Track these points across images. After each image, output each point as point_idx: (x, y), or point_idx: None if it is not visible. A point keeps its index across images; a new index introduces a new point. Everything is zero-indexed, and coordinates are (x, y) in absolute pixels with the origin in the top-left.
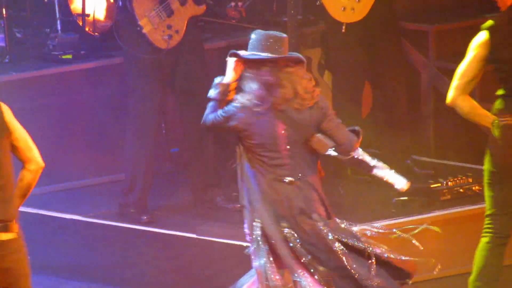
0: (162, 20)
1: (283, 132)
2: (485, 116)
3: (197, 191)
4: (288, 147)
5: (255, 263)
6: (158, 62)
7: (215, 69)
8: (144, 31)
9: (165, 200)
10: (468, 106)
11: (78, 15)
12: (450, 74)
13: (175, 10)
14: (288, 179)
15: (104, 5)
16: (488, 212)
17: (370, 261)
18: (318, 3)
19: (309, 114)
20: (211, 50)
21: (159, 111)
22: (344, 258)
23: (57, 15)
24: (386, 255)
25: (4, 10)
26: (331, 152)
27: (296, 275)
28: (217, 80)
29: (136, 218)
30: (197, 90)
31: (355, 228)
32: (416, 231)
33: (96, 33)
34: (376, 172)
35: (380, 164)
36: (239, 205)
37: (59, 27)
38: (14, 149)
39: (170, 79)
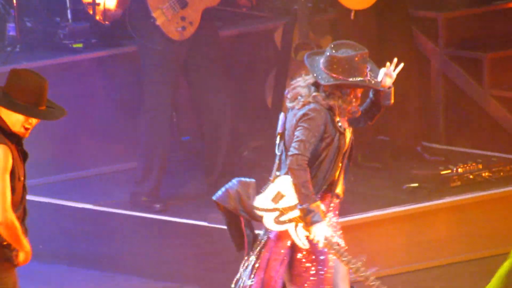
0: (176, 12)
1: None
2: None
3: (210, 179)
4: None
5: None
6: (171, 53)
7: (226, 58)
8: (157, 23)
9: (177, 188)
10: None
11: (89, 4)
12: (460, 61)
13: (189, 1)
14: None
15: None
16: None
17: None
18: None
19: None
20: (222, 38)
21: (172, 102)
22: None
23: (68, 4)
24: None
25: None
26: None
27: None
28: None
29: (149, 206)
30: (213, 81)
31: None
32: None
33: (106, 22)
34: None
35: None
36: None
37: (69, 16)
38: None
39: (183, 70)
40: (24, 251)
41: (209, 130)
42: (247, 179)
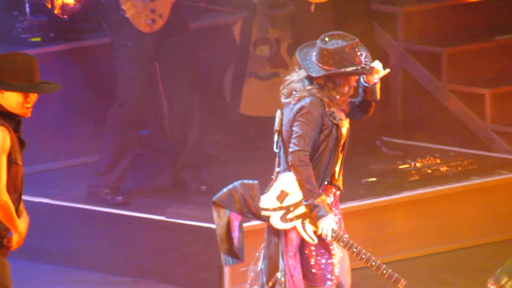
0: (146, 4)
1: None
2: None
3: (172, 173)
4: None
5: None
6: (144, 46)
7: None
8: (127, 15)
9: (135, 182)
10: None
11: None
12: (418, 55)
13: None
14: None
15: None
16: None
17: None
18: None
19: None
20: None
21: (145, 95)
22: None
23: None
24: None
25: None
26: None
27: None
28: None
29: (111, 199)
30: (183, 73)
31: None
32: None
33: (65, 16)
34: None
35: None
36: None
37: (28, 10)
38: None
39: (153, 63)
40: (17, 232)
41: (179, 123)
42: (249, 181)
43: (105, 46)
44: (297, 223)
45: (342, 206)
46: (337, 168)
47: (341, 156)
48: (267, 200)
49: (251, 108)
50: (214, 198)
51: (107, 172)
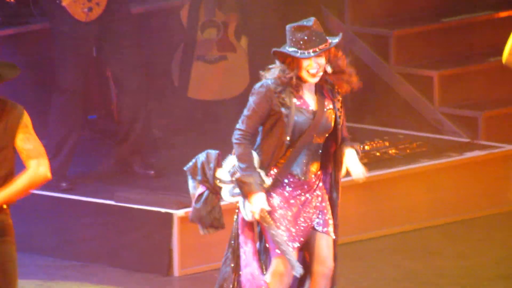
0: None
1: None
2: None
3: (118, 158)
4: None
5: None
6: (81, 34)
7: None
8: (63, 3)
9: (83, 167)
10: None
11: None
12: (366, 38)
13: None
14: None
15: None
16: None
17: None
18: None
19: None
20: None
21: (84, 82)
22: None
23: None
24: None
25: None
26: None
27: None
28: None
29: (56, 185)
30: (130, 58)
31: None
32: None
33: (12, 0)
34: None
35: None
36: (152, 172)
37: None
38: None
39: (93, 50)
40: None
41: (126, 107)
42: (213, 151)
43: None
44: (240, 199)
45: None
46: (291, 154)
47: (303, 145)
48: (222, 172)
49: (199, 92)
50: (185, 167)
51: (51, 158)
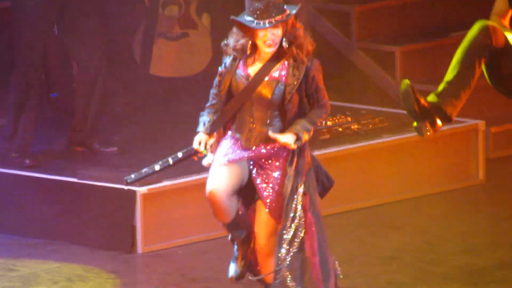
0: None
1: None
2: None
3: (76, 136)
4: None
5: None
6: (42, 9)
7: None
8: None
9: (46, 145)
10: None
11: None
12: (327, 14)
13: None
14: None
15: None
16: None
17: None
18: None
19: None
20: None
21: (43, 58)
22: None
23: None
24: None
25: None
26: None
27: None
28: None
29: (19, 162)
30: (90, 35)
31: None
32: None
33: None
34: None
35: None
36: (115, 149)
37: None
38: None
39: (54, 27)
40: None
41: (83, 85)
42: None
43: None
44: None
45: None
46: (243, 123)
47: (235, 108)
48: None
49: (161, 69)
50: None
51: (13, 135)
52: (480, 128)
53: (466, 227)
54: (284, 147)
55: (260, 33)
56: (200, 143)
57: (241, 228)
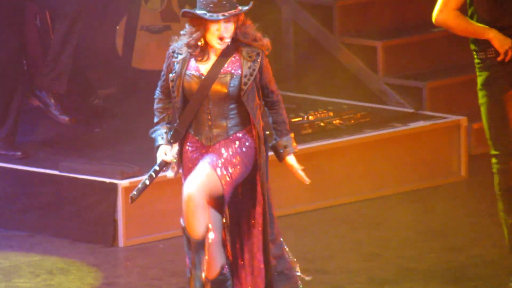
0: None
1: None
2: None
3: (43, 79)
4: None
5: None
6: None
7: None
8: None
9: (29, 136)
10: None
11: None
12: (310, 8)
13: None
14: None
15: None
16: None
17: None
18: None
19: None
20: None
21: (21, 51)
22: None
23: None
24: None
25: None
26: None
27: None
28: None
29: (12, 155)
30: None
31: None
32: None
33: None
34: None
35: None
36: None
37: None
38: None
39: (36, 19)
40: None
41: (60, 33)
42: None
43: None
44: None
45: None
46: (202, 122)
47: (193, 109)
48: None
49: (143, 62)
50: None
51: None
52: (462, 124)
53: (447, 224)
54: (245, 143)
55: (213, 27)
56: (166, 154)
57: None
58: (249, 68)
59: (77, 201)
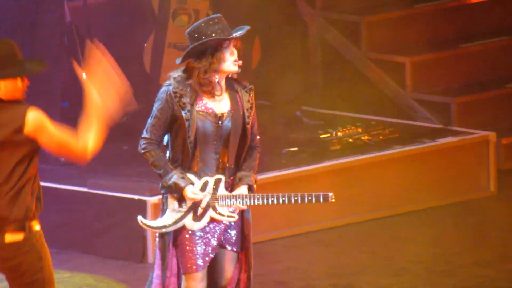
0: None
1: None
2: None
3: None
4: None
5: None
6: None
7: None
8: None
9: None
10: None
11: None
12: (337, 24)
13: None
14: None
15: None
16: None
17: None
18: None
19: None
20: (98, 5)
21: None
22: None
23: None
24: None
25: None
26: None
27: None
28: None
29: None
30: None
31: None
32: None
33: None
34: None
35: None
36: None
37: None
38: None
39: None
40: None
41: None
42: None
43: None
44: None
45: (264, 176)
46: (211, 160)
47: (208, 150)
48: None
49: None
50: None
51: None
52: (491, 139)
53: (477, 239)
54: None
55: (227, 52)
56: (194, 193)
57: None
58: (248, 102)
59: (106, 217)
